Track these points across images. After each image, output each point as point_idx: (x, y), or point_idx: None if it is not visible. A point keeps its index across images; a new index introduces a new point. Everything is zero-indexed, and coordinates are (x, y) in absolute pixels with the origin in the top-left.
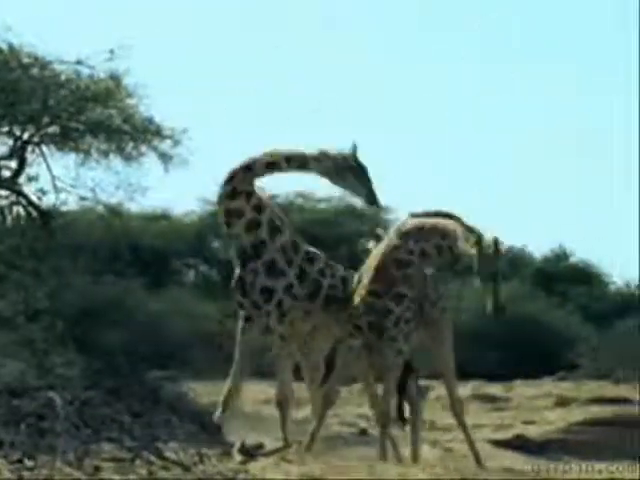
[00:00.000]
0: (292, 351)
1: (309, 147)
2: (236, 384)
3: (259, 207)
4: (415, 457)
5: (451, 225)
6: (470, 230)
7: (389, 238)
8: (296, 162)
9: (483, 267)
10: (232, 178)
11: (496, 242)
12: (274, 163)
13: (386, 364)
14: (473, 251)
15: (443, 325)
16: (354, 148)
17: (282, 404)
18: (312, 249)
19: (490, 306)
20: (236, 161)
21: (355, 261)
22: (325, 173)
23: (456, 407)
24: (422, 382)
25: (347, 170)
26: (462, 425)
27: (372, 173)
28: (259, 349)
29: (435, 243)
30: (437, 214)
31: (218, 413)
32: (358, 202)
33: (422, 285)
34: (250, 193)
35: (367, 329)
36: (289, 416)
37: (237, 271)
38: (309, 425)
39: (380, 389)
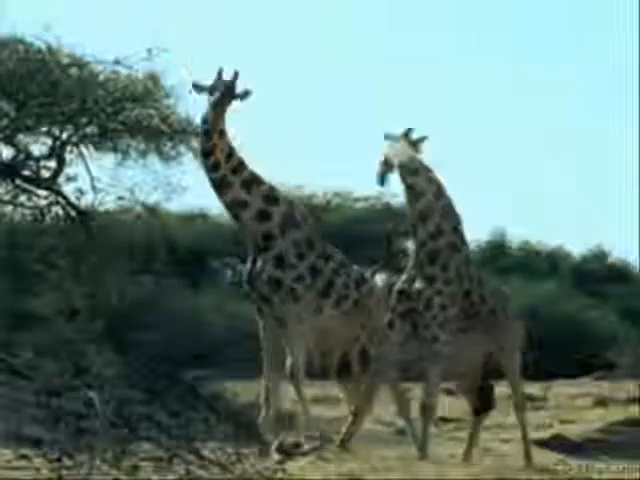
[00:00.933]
0: (306, 331)
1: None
2: (271, 382)
3: (271, 198)
4: (467, 457)
5: None
6: None
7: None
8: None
9: None
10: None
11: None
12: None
13: (423, 354)
14: None
15: (507, 332)
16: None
17: (294, 377)
18: (332, 249)
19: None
20: (273, 160)
21: (391, 260)
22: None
23: (519, 406)
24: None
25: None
26: (522, 424)
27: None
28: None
29: None
30: None
31: (262, 414)
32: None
33: (475, 282)
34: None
35: (400, 320)
36: (302, 390)
37: (248, 263)
38: (343, 423)
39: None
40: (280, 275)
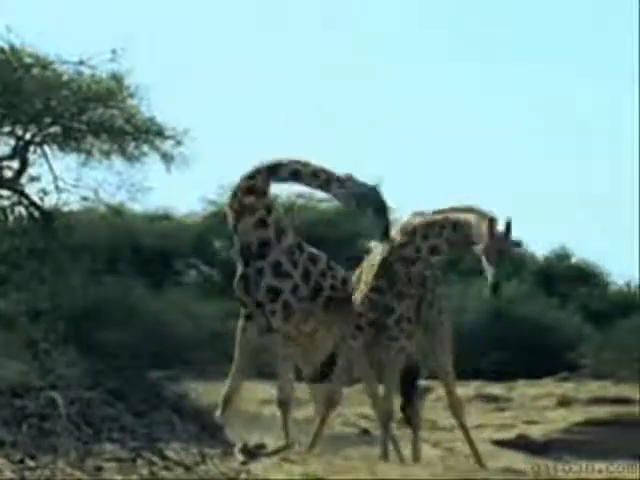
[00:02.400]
0: (293, 351)
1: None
2: (235, 383)
3: (269, 207)
4: (416, 457)
5: (462, 215)
6: (483, 214)
7: (393, 236)
8: (320, 180)
9: (492, 247)
10: (255, 175)
11: (509, 224)
12: (299, 173)
13: (387, 362)
14: (485, 232)
15: (441, 326)
16: (378, 181)
17: (284, 404)
18: (314, 250)
19: (489, 284)
20: (239, 162)
21: (356, 261)
22: (344, 200)
23: (455, 407)
24: (422, 382)
25: (368, 204)
26: (462, 425)
27: (390, 209)
28: (259, 348)
29: (448, 236)
30: (454, 209)
31: (218, 413)
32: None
33: (420, 285)
34: (265, 192)
35: (368, 327)
36: (290, 416)
37: (240, 269)
38: (310, 425)
39: (381, 388)
40: (278, 284)
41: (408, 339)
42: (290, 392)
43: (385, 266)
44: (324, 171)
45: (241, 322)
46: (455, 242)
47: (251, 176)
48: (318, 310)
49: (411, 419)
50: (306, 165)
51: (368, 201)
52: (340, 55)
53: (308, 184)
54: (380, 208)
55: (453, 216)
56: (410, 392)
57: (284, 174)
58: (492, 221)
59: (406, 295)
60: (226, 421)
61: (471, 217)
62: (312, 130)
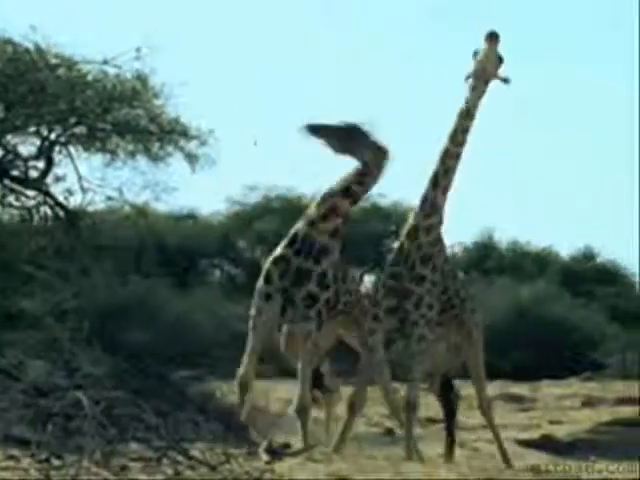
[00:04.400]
0: (316, 358)
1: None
2: (251, 365)
3: (348, 218)
4: (449, 457)
5: None
6: None
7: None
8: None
9: None
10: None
11: None
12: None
13: (409, 352)
14: None
15: (473, 325)
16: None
17: (302, 413)
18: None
19: None
20: (263, 163)
21: (381, 261)
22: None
23: (485, 407)
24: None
25: (351, 139)
26: (491, 425)
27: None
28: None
29: None
30: None
31: (238, 399)
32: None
33: (448, 275)
34: (356, 201)
35: (386, 315)
36: (308, 423)
37: (282, 249)
38: (335, 425)
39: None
40: (319, 293)
41: (428, 326)
42: (309, 401)
43: (402, 250)
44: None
45: (257, 301)
46: None
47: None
48: (335, 315)
49: (447, 420)
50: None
51: (350, 138)
52: (348, 53)
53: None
54: (360, 136)
55: None
56: (447, 391)
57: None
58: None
59: (424, 278)
60: (251, 420)
61: None
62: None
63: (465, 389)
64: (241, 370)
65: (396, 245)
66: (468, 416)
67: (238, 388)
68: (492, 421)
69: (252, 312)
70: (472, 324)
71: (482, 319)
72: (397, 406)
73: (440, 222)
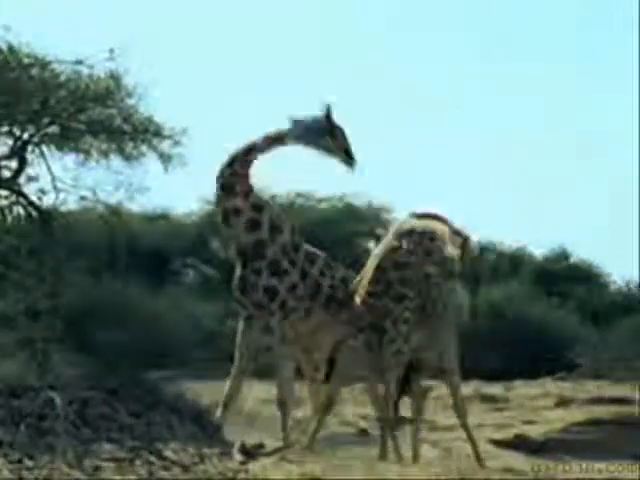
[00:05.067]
0: (293, 351)
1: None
2: (236, 386)
3: (258, 206)
4: (416, 457)
5: (439, 228)
6: (457, 233)
7: (387, 239)
8: (274, 140)
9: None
10: (233, 162)
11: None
12: (253, 148)
13: (385, 364)
14: (457, 253)
15: (446, 325)
16: (328, 109)
17: (283, 404)
18: (312, 249)
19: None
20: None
21: (354, 261)
22: (303, 141)
23: (459, 407)
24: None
25: (322, 133)
26: (464, 425)
27: (348, 133)
28: (259, 349)
29: (425, 246)
30: (425, 216)
31: (219, 413)
32: (338, 166)
33: (424, 284)
34: (248, 192)
35: (368, 329)
36: (289, 416)
37: (238, 270)
38: (309, 425)
39: (381, 388)
40: (276, 283)
41: (405, 341)
42: (289, 392)
43: (380, 271)
44: (273, 133)
45: (241, 324)
46: (431, 253)
47: (228, 164)
48: (317, 309)
49: (412, 419)
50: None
51: (322, 130)
52: (337, 54)
53: (268, 151)
54: (335, 133)
55: (432, 226)
56: (411, 392)
57: (252, 154)
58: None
59: (403, 297)
60: (225, 421)
61: (446, 233)
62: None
63: (439, 389)
64: (226, 390)
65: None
66: (443, 416)
67: (222, 406)
68: (466, 421)
69: (238, 332)
70: (442, 323)
71: (454, 317)
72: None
73: None
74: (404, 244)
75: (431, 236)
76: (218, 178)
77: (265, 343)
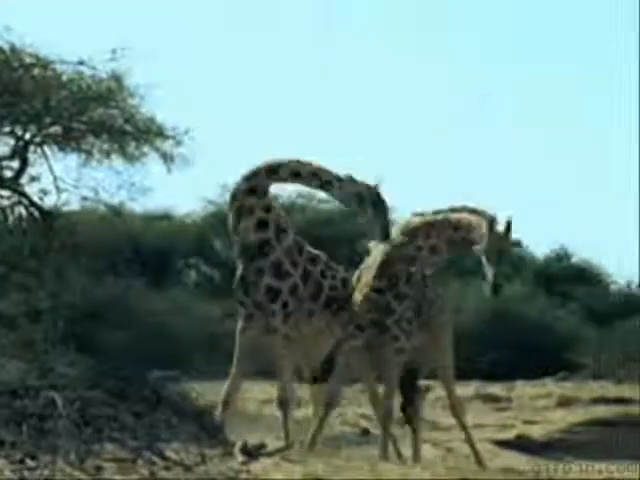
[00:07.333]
0: (293, 351)
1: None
2: (235, 385)
3: (268, 207)
4: (417, 457)
5: (462, 216)
6: (483, 215)
7: (393, 237)
8: (321, 180)
9: (491, 246)
10: (254, 176)
11: (509, 223)
12: (299, 174)
13: (387, 363)
14: (485, 232)
15: (442, 325)
16: (379, 181)
17: (284, 404)
18: (313, 250)
19: (488, 283)
20: (240, 162)
21: (356, 261)
22: (344, 200)
23: (456, 407)
24: (422, 382)
25: (368, 203)
26: (462, 425)
27: (389, 209)
28: (260, 348)
29: (448, 237)
30: (453, 210)
31: (218, 413)
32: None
33: (420, 285)
34: (265, 193)
35: (369, 327)
36: (291, 416)
37: (240, 269)
38: (310, 425)
39: (381, 389)
40: (278, 284)
41: (407, 339)
42: (290, 392)
43: (386, 266)
44: (324, 171)
45: (241, 323)
46: (455, 243)
47: (250, 177)
48: (319, 310)
49: (411, 419)
50: (306, 165)
51: (367, 201)
52: (339, 53)
53: (308, 184)
54: (379, 208)
55: (454, 217)
56: (410, 392)
57: (284, 174)
58: (492, 221)
59: (406, 295)
60: (226, 421)
61: (471, 218)
62: (313, 129)
63: (439, 389)
64: (225, 390)
65: (376, 256)
66: (443, 416)
67: (221, 405)
68: (463, 422)
69: (237, 331)
70: (439, 325)
71: (450, 319)
72: (380, 408)
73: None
74: (419, 239)
75: (455, 226)
76: (236, 190)
77: (266, 343)
